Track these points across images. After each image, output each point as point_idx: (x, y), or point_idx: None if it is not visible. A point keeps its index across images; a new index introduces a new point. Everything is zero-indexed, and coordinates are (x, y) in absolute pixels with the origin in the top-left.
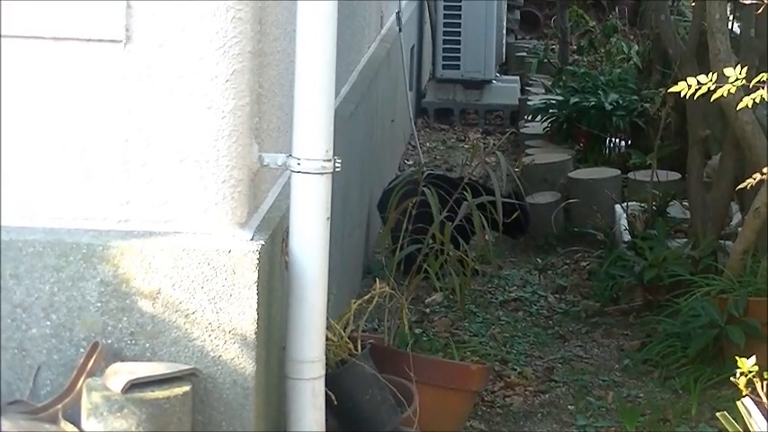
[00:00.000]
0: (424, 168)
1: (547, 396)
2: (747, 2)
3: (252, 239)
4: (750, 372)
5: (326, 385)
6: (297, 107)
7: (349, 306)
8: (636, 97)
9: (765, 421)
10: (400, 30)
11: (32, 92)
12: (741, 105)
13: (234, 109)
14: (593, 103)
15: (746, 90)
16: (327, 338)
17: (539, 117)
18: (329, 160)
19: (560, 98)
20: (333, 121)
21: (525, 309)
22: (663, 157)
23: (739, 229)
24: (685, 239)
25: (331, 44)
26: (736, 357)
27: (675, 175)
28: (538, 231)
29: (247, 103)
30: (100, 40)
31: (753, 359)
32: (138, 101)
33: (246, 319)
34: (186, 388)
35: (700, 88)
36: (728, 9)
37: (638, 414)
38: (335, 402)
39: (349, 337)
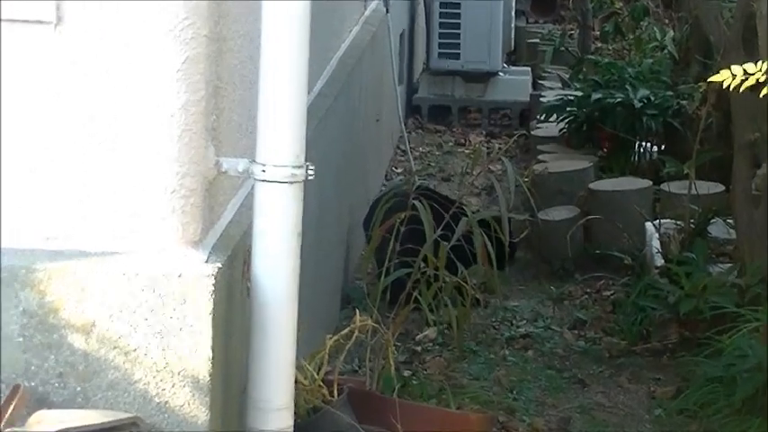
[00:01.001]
0: (416, 178)
1: None
2: None
3: (207, 261)
4: None
5: None
6: (262, 103)
7: (324, 343)
8: (671, 93)
9: None
10: (387, 11)
11: None
12: None
13: (186, 104)
14: (619, 100)
15: None
16: (297, 381)
17: (554, 116)
18: (300, 167)
19: (580, 94)
20: (305, 119)
21: (536, 347)
22: (702, 165)
23: None
24: (730, 264)
25: (304, 27)
26: None
27: (718, 187)
28: (552, 254)
29: (202, 97)
30: (27, 21)
31: None
32: (69, 91)
33: (199, 358)
34: None
35: (746, 79)
36: None
37: None
38: None
39: (323, 380)
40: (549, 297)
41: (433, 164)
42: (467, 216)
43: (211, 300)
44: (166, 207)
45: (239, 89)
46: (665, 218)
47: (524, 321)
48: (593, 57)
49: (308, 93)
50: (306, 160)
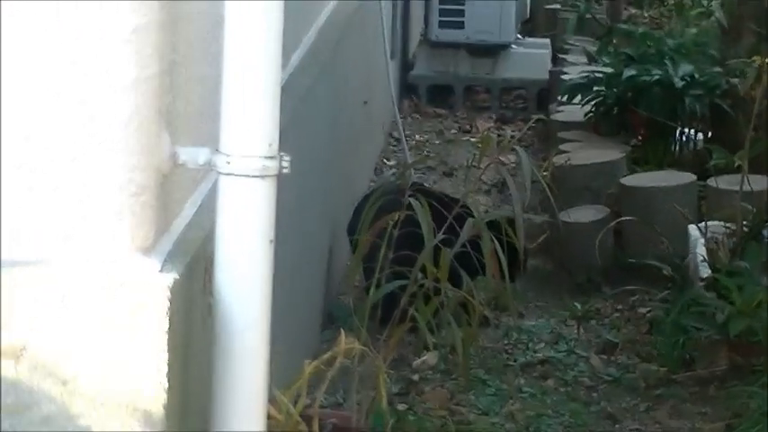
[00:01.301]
0: (412, 172)
1: None
2: None
3: (161, 271)
4: None
5: None
6: (227, 80)
7: (302, 370)
8: (719, 69)
9: None
10: None
11: None
12: None
13: (135, 82)
14: (656, 78)
15: None
16: (270, 416)
17: (578, 98)
18: (273, 158)
19: (609, 71)
20: (279, 101)
21: (558, 375)
22: (757, 156)
23: None
24: None
25: None
26: None
27: None
28: (576, 263)
29: (155, 73)
30: None
31: None
32: None
33: (151, 388)
34: None
35: None
36: None
37: None
38: None
39: (301, 415)
40: (572, 315)
41: (432, 155)
42: (473, 217)
43: (166, 318)
44: (111, 207)
45: (200, 64)
46: (713, 219)
47: (543, 344)
48: (624, 26)
49: (282, 69)
50: (280, 150)
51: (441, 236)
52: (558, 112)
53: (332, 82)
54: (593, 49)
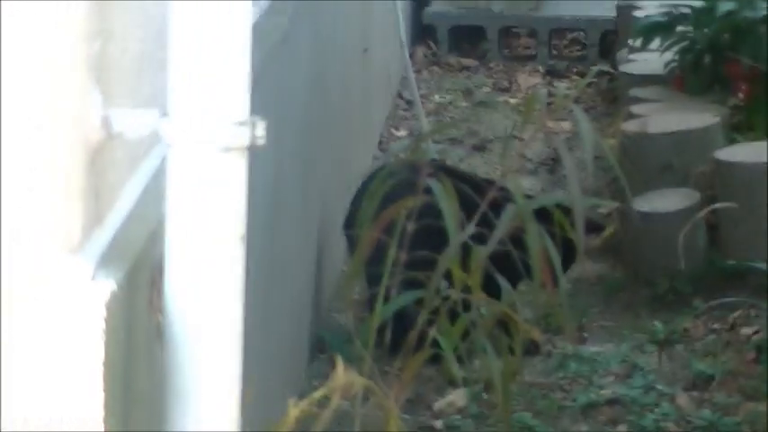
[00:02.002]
0: (430, 145)
1: None
2: None
3: (93, 278)
4: None
5: None
6: (177, 19)
7: (284, 412)
8: None
9: None
10: None
11: None
12: None
13: (47, 19)
14: (763, 14)
15: None
16: None
17: (656, 42)
18: (243, 123)
19: (700, 4)
20: (249, 48)
21: (632, 419)
22: None
23: None
24: None
25: None
26: None
27: None
28: (656, 268)
29: (76, 8)
30: None
31: None
32: None
33: None
34: None
35: None
36: None
37: None
38: None
39: None
40: (651, 338)
41: (458, 122)
42: (514, 204)
43: (102, 342)
44: (21, 193)
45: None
46: None
47: (611, 378)
48: None
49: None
50: (251, 113)
51: (471, 229)
52: (630, 62)
53: (317, 23)
54: None
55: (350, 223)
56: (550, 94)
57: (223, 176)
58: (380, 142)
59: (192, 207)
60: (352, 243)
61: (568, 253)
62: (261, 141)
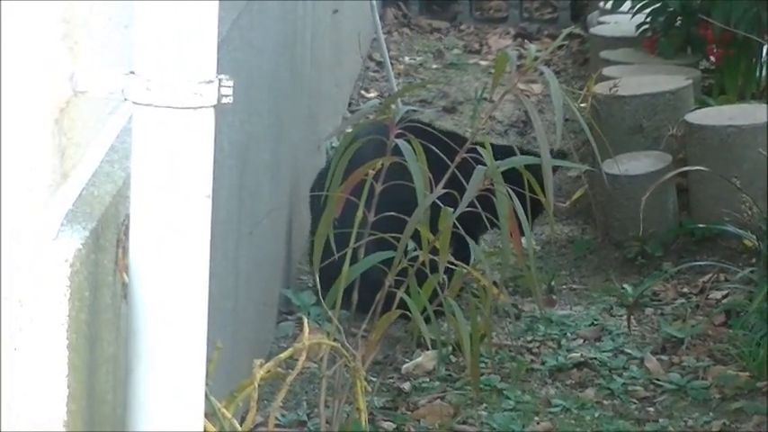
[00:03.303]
0: (400, 104)
1: None
2: None
3: (57, 238)
4: None
5: None
6: None
7: (251, 374)
8: None
9: None
10: None
11: None
12: None
13: None
14: None
15: None
16: None
17: (627, 4)
18: (210, 81)
19: None
20: (216, 6)
21: (601, 383)
22: None
23: None
24: None
25: None
26: None
27: None
28: (626, 231)
29: None
30: None
31: None
32: None
33: (48, 398)
34: None
35: None
36: None
37: None
38: None
39: None
40: (620, 301)
41: (428, 84)
42: (484, 165)
43: (66, 302)
44: None
45: None
46: None
47: (580, 341)
48: None
49: None
50: (218, 72)
51: (440, 191)
52: (600, 23)
53: None
54: None
55: (318, 186)
56: (521, 57)
57: (189, 135)
58: (350, 104)
59: (157, 166)
60: (317, 205)
61: (537, 214)
62: (228, 100)
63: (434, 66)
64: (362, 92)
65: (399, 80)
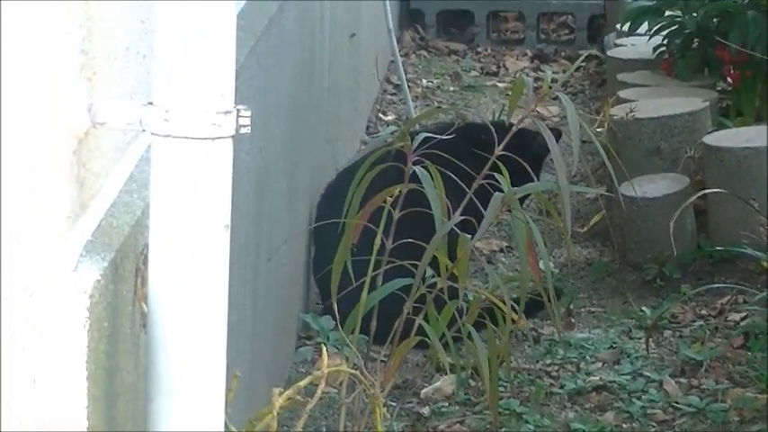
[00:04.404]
0: (417, 129)
1: None
2: None
3: (76, 269)
4: None
5: None
6: (160, 10)
7: (270, 401)
8: None
9: None
10: None
11: None
12: None
13: (33, 6)
14: None
15: None
16: None
17: (644, 26)
18: (228, 112)
19: None
20: (234, 36)
21: (620, 407)
22: None
23: None
24: None
25: None
26: None
27: None
28: (644, 253)
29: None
30: None
31: None
32: None
33: (67, 428)
34: None
35: None
36: None
37: None
38: None
39: None
40: (639, 324)
41: (445, 105)
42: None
43: (86, 332)
44: (5, 182)
45: None
46: None
47: (599, 364)
48: None
49: None
50: (236, 103)
51: (457, 218)
52: (618, 46)
53: (303, 9)
54: None
55: (330, 207)
56: (538, 79)
57: (207, 165)
58: (368, 127)
59: (176, 196)
60: (313, 233)
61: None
62: (246, 131)
63: (452, 88)
64: (380, 115)
65: (417, 103)
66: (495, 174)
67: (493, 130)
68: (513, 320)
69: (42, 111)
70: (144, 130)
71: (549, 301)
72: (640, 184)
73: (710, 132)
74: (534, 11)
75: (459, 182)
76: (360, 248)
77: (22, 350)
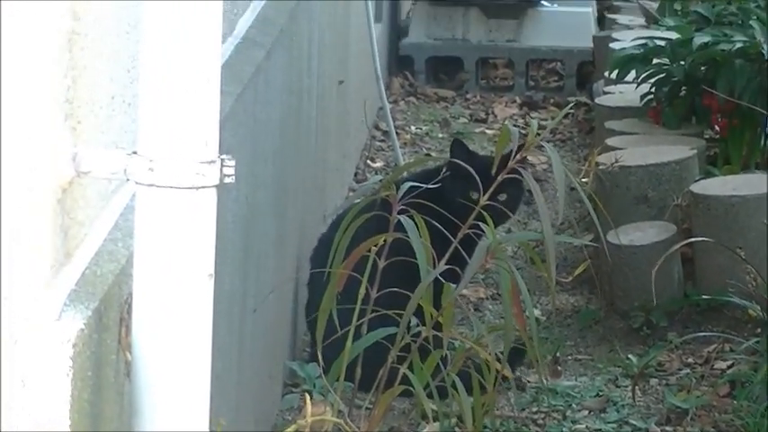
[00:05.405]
0: (407, 177)
1: None
2: None
3: (60, 318)
4: None
5: None
6: (146, 56)
7: None
8: None
9: None
10: None
11: None
12: None
13: (17, 57)
14: (739, 47)
15: None
16: None
17: (633, 74)
18: (212, 162)
19: (675, 36)
20: (219, 83)
21: None
22: None
23: None
24: None
25: None
26: None
27: None
28: (631, 301)
29: (47, 47)
30: None
31: None
32: None
33: None
34: None
35: None
36: None
37: None
38: None
39: None
40: (625, 372)
41: (434, 152)
42: (485, 235)
43: (69, 381)
44: None
45: (111, 35)
46: None
47: (586, 412)
48: None
49: (223, 40)
50: (222, 151)
51: (442, 267)
52: (606, 93)
53: (291, 56)
54: (652, 6)
55: (319, 258)
56: (526, 126)
57: (191, 215)
58: (356, 174)
59: (160, 245)
60: (311, 280)
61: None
62: (230, 180)
63: (441, 135)
64: (369, 161)
65: (405, 149)
66: (479, 223)
67: (479, 180)
68: (498, 369)
69: (26, 160)
70: (128, 180)
71: (534, 349)
72: (627, 231)
73: (698, 180)
74: (523, 57)
75: (443, 230)
76: (346, 296)
77: (6, 399)
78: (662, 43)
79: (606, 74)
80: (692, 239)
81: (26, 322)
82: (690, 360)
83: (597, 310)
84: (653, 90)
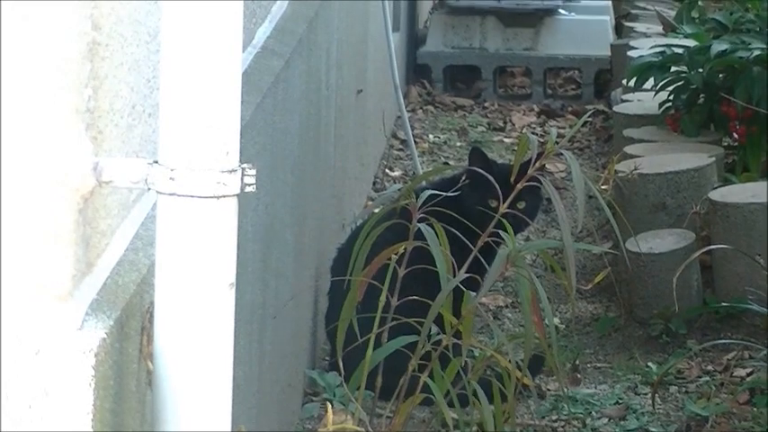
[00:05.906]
0: (425, 185)
1: None
2: None
3: (82, 327)
4: None
5: None
6: (167, 66)
7: None
8: None
9: None
10: None
11: None
12: None
13: (39, 67)
14: (756, 54)
15: None
16: None
17: (651, 82)
18: (233, 171)
19: (693, 44)
20: (239, 93)
21: None
22: None
23: None
24: None
25: None
26: None
27: None
28: (650, 309)
29: (69, 57)
30: None
31: None
32: None
33: None
34: None
35: None
36: None
37: None
38: None
39: None
40: (645, 380)
41: (452, 161)
42: (504, 243)
43: (91, 390)
44: (10, 241)
45: (131, 45)
46: None
47: (605, 420)
48: None
49: (243, 49)
50: (242, 160)
51: (462, 275)
52: (624, 101)
53: (311, 67)
54: (670, 13)
55: (339, 267)
56: (544, 134)
57: (212, 224)
58: (375, 182)
59: (181, 254)
60: (332, 288)
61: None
62: (251, 189)
63: (459, 143)
64: (387, 170)
65: (423, 158)
66: (499, 231)
67: (498, 188)
68: (518, 377)
69: (48, 170)
70: (149, 189)
71: (553, 357)
72: (646, 239)
73: (716, 188)
74: (541, 66)
75: (463, 238)
76: (366, 305)
77: (29, 408)
78: (680, 51)
79: (624, 82)
80: (711, 247)
81: (48, 332)
82: (709, 367)
83: (616, 317)
84: (671, 98)
